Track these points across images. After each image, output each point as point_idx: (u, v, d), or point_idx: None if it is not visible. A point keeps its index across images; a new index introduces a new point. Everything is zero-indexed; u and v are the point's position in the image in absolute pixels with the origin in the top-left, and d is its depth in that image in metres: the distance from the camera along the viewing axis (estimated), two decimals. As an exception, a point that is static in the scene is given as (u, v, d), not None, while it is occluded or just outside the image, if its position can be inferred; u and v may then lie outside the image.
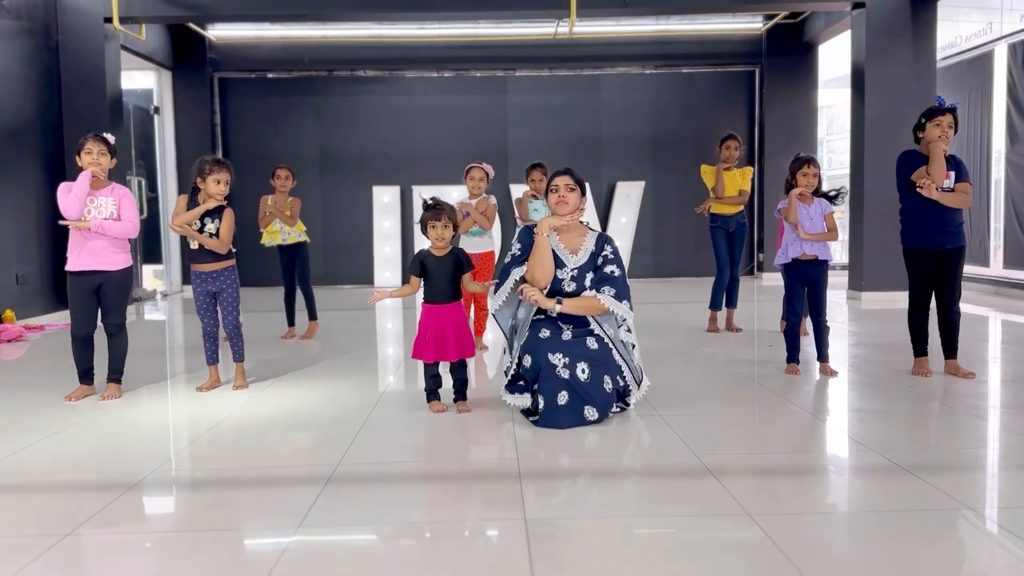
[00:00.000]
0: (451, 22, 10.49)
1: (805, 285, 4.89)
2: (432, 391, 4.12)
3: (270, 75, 11.47)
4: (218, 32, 11.05)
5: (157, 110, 10.94)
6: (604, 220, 11.43)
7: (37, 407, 4.33)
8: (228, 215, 4.65)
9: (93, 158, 4.37)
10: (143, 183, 10.29)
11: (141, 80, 10.84)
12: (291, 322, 6.73)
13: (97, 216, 4.38)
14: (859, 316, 7.67)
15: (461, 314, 4.10)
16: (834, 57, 11.21)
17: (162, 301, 10.22)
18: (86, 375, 4.60)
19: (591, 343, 3.87)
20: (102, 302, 4.49)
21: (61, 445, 3.62)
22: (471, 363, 4.79)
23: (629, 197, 11.51)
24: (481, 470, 3.24)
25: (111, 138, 4.50)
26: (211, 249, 4.58)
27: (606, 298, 3.91)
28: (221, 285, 4.67)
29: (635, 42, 11.26)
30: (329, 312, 7.20)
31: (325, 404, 4.36)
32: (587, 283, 3.99)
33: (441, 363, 4.10)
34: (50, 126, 8.18)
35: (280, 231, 6.57)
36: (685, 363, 5.35)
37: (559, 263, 4.00)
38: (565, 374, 3.74)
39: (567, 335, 3.90)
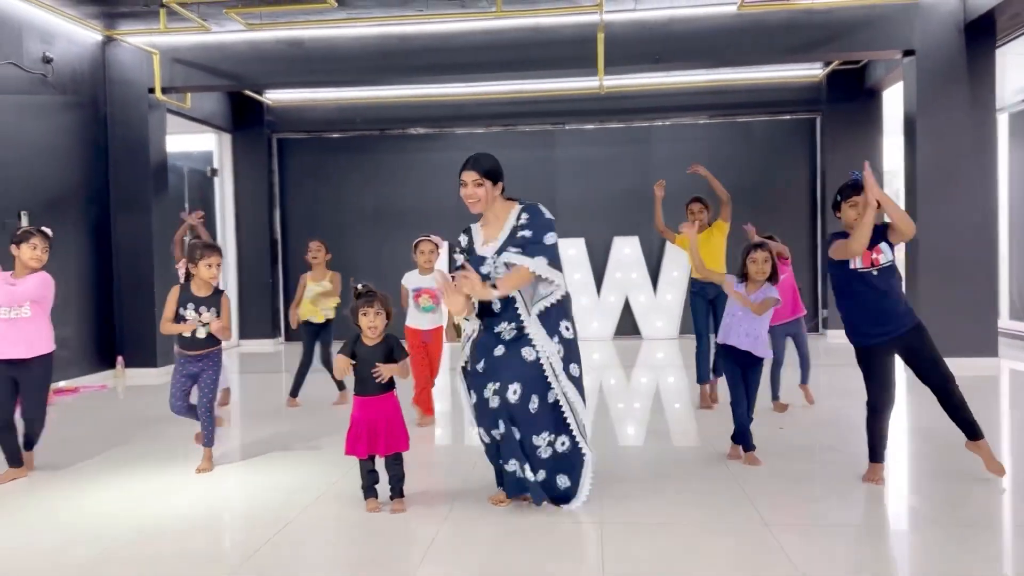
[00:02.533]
0: (486, 80, 10.42)
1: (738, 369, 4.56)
2: (368, 488, 3.93)
3: (325, 135, 11.71)
4: (274, 95, 11.37)
5: (215, 172, 11.31)
6: (655, 274, 11.01)
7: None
8: (226, 304, 4.69)
9: (36, 254, 4.54)
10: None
11: (199, 143, 11.24)
12: (294, 393, 6.68)
13: None
14: (916, 386, 7.01)
15: (394, 406, 3.91)
16: (898, 103, 10.53)
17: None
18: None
19: (526, 354, 3.69)
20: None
21: (-17, 540, 3.60)
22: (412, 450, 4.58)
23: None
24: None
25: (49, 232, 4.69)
26: (220, 337, 4.63)
27: (520, 258, 3.63)
28: (204, 368, 4.69)
29: (687, 92, 10.90)
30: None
31: (269, 496, 4.22)
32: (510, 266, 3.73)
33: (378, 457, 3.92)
34: (96, 194, 8.53)
35: (314, 306, 6.58)
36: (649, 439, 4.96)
37: (479, 261, 3.80)
38: (495, 402, 3.70)
39: (499, 350, 3.73)
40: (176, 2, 7.44)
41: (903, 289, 4.07)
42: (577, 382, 3.78)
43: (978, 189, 7.69)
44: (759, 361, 4.52)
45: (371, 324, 3.84)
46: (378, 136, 11.63)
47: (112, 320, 8.71)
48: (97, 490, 4.36)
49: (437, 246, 5.72)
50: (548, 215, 3.82)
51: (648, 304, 10.94)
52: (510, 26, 8.24)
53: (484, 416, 3.81)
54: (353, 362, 3.87)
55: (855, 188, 4.00)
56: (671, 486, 4.19)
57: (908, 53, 7.89)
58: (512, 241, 3.75)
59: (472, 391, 3.88)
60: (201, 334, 4.63)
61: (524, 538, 3.47)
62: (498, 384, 3.71)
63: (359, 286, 3.94)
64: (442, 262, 6.43)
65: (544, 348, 3.69)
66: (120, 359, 8.68)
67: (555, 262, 3.72)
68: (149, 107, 8.71)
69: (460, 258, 3.95)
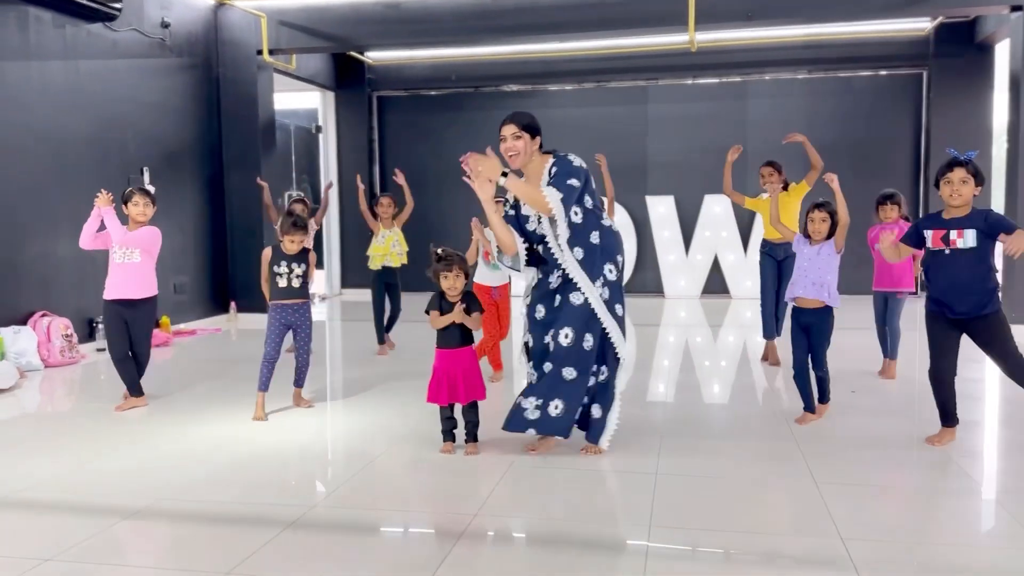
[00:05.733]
0: (579, 37, 10.48)
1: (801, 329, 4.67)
2: (447, 432, 4.29)
3: (422, 92, 12.05)
4: (374, 55, 11.76)
5: (319, 129, 11.85)
6: (746, 234, 10.93)
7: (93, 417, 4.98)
8: (312, 260, 5.24)
9: (140, 209, 5.12)
10: (302, 196, 11.19)
11: (305, 101, 11.78)
12: (382, 340, 7.14)
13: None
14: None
15: (472, 358, 4.23)
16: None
17: (321, 303, 11.08)
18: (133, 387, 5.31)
19: (575, 299, 3.96)
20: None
21: (88, 464, 4.15)
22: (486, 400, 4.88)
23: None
24: (436, 524, 3.37)
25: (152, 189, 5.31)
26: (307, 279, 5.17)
27: (546, 190, 3.89)
28: (299, 320, 5.14)
29: (785, 47, 10.68)
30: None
31: (348, 436, 4.65)
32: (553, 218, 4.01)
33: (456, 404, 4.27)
34: (209, 150, 9.15)
35: (389, 253, 6.97)
36: (720, 398, 5.12)
37: (526, 219, 4.10)
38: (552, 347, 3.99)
39: (555, 299, 4.02)
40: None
41: (991, 277, 4.03)
42: (620, 321, 4.06)
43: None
44: (827, 312, 4.58)
45: (451, 286, 4.16)
46: (472, 93, 11.88)
47: (225, 269, 9.39)
48: (206, 421, 4.90)
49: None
50: (576, 162, 4.03)
51: (737, 263, 10.91)
52: (601, -15, 8.30)
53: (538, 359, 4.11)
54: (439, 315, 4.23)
55: (948, 165, 4.01)
56: (729, 443, 4.39)
57: (1016, 9, 7.55)
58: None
59: (531, 335, 4.16)
60: (296, 284, 5.09)
61: (580, 483, 3.76)
62: (553, 330, 4.00)
63: (439, 251, 4.24)
64: None
65: (589, 292, 3.96)
66: (233, 304, 9.38)
67: (568, 199, 3.92)
68: (258, 68, 9.23)
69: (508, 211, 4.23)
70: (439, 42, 9.74)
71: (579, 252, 3.98)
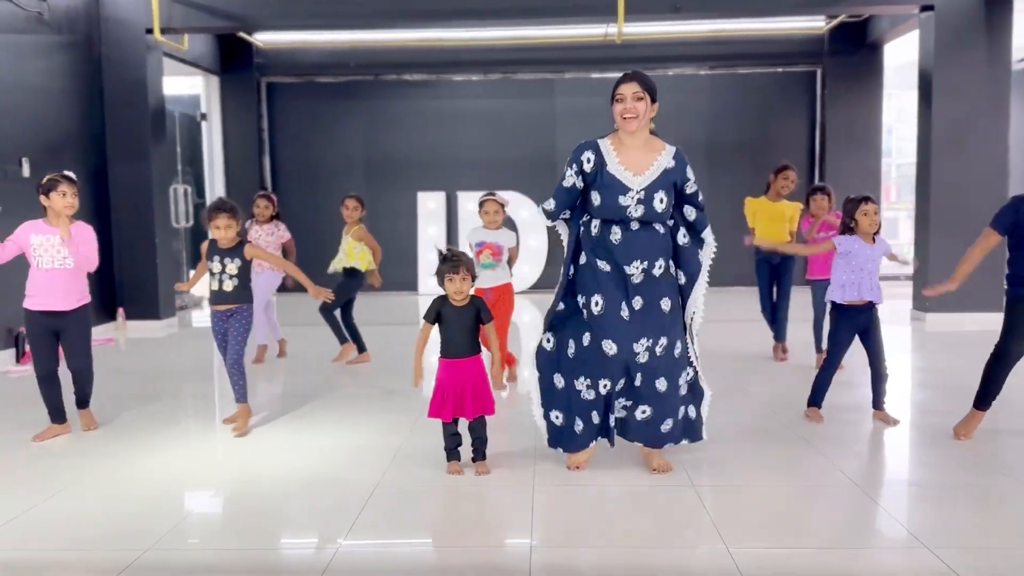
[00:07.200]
0: (497, 24, 10.19)
1: (855, 331, 4.56)
2: (452, 450, 3.91)
3: (317, 79, 11.36)
4: (264, 37, 10.96)
5: (204, 116, 10.93)
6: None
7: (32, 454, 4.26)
8: (250, 250, 4.64)
9: (67, 201, 4.40)
10: (189, 190, 10.28)
11: (187, 86, 10.83)
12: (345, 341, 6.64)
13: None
14: (923, 343, 7.20)
15: (480, 369, 3.86)
16: (907, 60, 10.59)
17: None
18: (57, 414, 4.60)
19: (664, 305, 3.71)
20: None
21: (60, 509, 3.50)
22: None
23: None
24: (492, 562, 3.00)
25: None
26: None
27: (709, 235, 3.83)
28: (231, 323, 4.62)
29: (689, 42, 10.81)
30: (367, 328, 6.99)
31: (338, 459, 4.17)
32: (659, 205, 3.63)
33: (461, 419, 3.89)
34: (93, 140, 8.18)
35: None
36: (727, 404, 4.98)
37: (621, 188, 3.63)
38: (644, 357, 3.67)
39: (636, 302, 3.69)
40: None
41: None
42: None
43: (991, 145, 7.81)
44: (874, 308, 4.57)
45: (458, 289, 3.77)
46: (372, 81, 11.32)
47: (111, 271, 8.43)
48: (156, 448, 4.27)
49: (503, 206, 5.57)
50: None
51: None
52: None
53: (601, 368, 3.69)
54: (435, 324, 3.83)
55: None
56: (754, 446, 4.25)
57: (926, 8, 7.89)
58: (668, 185, 3.67)
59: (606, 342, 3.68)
60: (228, 287, 4.55)
61: (624, 503, 3.50)
62: (646, 339, 3.66)
63: (445, 252, 3.85)
64: (522, 221, 6.25)
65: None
66: (121, 311, 8.45)
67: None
68: (147, 48, 8.33)
69: (575, 179, 3.73)
70: (346, 24, 9.18)
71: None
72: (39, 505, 3.51)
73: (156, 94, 8.57)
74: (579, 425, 3.80)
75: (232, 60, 10.96)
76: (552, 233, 10.83)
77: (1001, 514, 3.35)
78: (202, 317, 9.51)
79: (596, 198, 3.69)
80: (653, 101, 3.68)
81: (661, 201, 3.65)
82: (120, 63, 8.30)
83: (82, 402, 4.66)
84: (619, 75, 3.79)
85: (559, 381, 3.84)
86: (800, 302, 6.67)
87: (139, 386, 5.87)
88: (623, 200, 3.63)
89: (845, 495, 3.55)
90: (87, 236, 4.52)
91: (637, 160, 3.68)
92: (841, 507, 3.44)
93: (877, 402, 4.63)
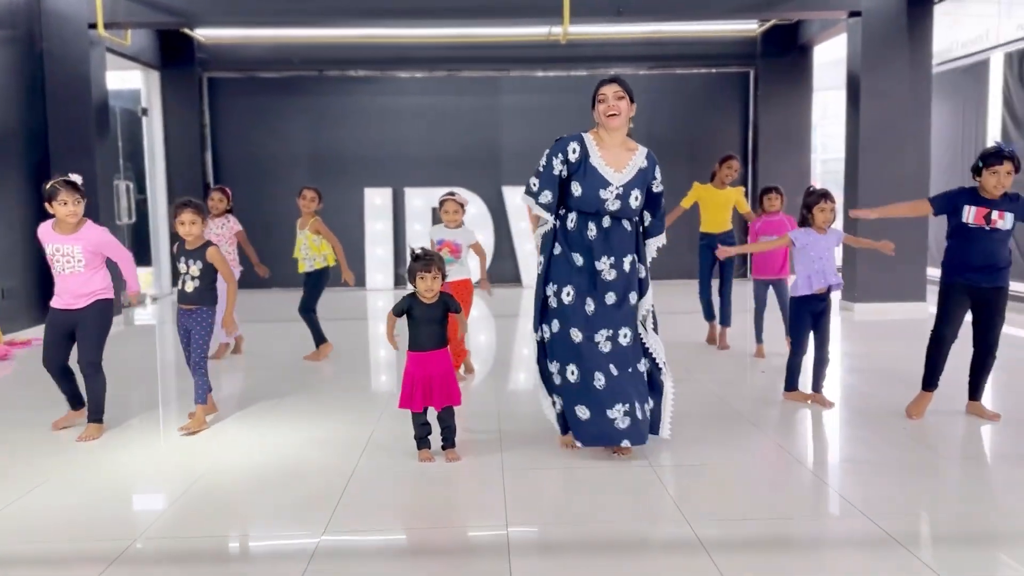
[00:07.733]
0: (443, 24, 10.33)
1: (812, 316, 4.93)
2: (422, 439, 4.08)
3: (260, 75, 11.31)
4: (205, 32, 10.87)
5: (145, 111, 10.79)
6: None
7: (20, 444, 4.28)
8: (213, 255, 4.63)
9: (69, 209, 4.38)
10: (131, 186, 10.16)
11: (128, 81, 10.67)
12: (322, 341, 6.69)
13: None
14: (852, 331, 7.65)
15: (447, 362, 4.04)
16: (830, 59, 11.10)
17: (152, 305, 10.13)
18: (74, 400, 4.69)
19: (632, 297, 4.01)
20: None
21: (36, 503, 3.56)
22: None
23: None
24: (471, 542, 3.20)
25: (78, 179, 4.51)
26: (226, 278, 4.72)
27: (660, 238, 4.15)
28: (193, 323, 4.68)
29: (629, 43, 11.12)
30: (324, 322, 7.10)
31: (312, 451, 4.30)
32: (633, 202, 3.91)
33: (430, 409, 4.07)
34: (34, 137, 8.05)
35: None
36: (678, 391, 5.26)
37: (602, 183, 3.89)
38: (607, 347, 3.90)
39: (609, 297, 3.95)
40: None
41: (1005, 253, 4.39)
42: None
43: (914, 144, 8.33)
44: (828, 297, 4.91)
45: (428, 287, 3.94)
46: (316, 77, 11.32)
47: (55, 269, 8.30)
48: (128, 443, 4.33)
49: (462, 205, 5.73)
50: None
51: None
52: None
53: (590, 359, 3.89)
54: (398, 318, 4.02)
55: (998, 156, 4.25)
56: (706, 429, 4.53)
57: (854, 14, 8.35)
58: (643, 184, 3.95)
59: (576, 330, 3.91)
60: (188, 287, 4.63)
61: (590, 484, 3.73)
62: (611, 330, 3.91)
63: (417, 250, 4.01)
64: (470, 218, 6.41)
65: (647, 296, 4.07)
66: (65, 310, 8.33)
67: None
68: (90, 43, 8.23)
69: (561, 167, 3.97)
70: (292, 21, 9.18)
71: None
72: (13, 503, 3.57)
73: (100, 89, 8.47)
74: (559, 407, 4.06)
75: (173, 55, 10.83)
76: (500, 229, 11.14)
77: (927, 484, 3.71)
78: (145, 315, 9.44)
79: (577, 189, 3.92)
80: (632, 102, 3.93)
81: (636, 198, 3.92)
82: (62, 58, 8.18)
83: (93, 414, 4.56)
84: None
85: (552, 367, 4.05)
86: (736, 292, 7.01)
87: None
88: (603, 193, 3.89)
89: (791, 471, 3.87)
90: (104, 239, 4.52)
91: (616, 157, 3.96)
92: (787, 482, 3.74)
93: (816, 385, 4.97)
